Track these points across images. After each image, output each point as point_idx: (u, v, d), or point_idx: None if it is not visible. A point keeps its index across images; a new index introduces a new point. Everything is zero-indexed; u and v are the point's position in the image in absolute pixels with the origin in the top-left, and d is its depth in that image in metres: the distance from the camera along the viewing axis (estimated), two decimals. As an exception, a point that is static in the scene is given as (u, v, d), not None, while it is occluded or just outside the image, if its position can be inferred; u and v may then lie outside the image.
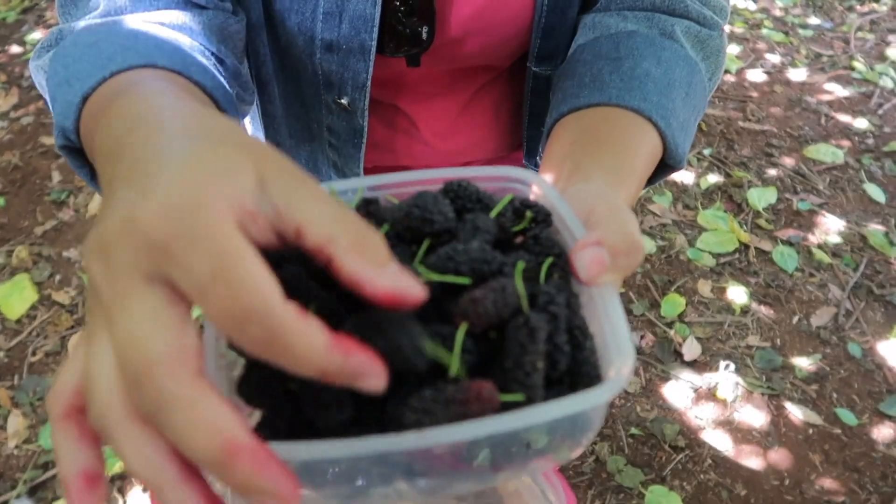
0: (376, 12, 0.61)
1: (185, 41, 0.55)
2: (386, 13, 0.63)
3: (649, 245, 2.14)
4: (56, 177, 2.36)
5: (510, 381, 0.34)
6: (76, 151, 0.50)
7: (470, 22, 0.66)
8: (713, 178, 2.38)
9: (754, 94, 2.82)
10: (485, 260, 0.36)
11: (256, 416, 0.37)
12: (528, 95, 0.75)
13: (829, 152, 2.51)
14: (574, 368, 0.37)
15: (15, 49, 3.01)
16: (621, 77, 0.58)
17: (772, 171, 2.43)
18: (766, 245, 2.15)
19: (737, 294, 2.00)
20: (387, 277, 0.30)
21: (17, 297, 1.97)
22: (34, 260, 2.08)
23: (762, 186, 2.35)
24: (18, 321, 1.92)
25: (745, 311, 1.96)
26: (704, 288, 2.02)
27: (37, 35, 3.09)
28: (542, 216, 0.42)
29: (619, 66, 0.59)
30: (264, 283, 0.27)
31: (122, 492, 1.57)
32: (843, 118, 2.68)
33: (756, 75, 2.93)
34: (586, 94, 0.58)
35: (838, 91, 2.84)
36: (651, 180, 0.61)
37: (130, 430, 0.27)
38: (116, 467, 1.60)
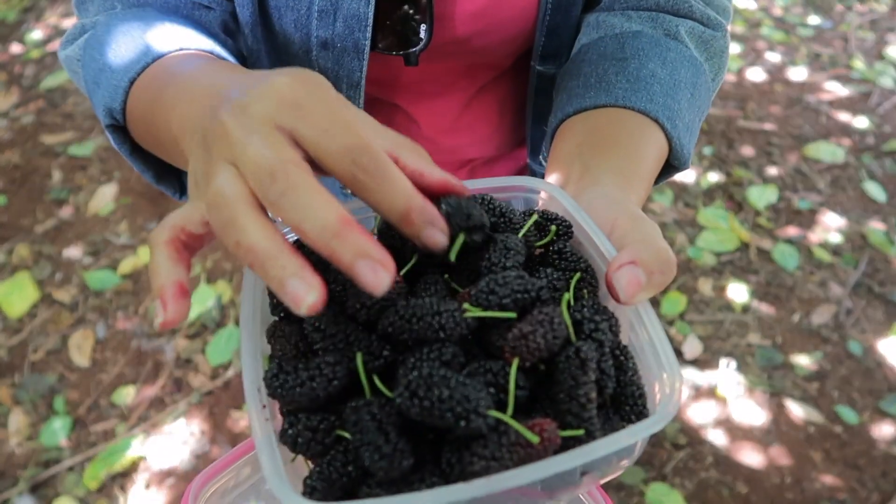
0: (369, 11, 0.61)
1: (203, 33, 0.60)
2: (382, 12, 0.63)
3: (650, 243, 2.14)
4: (56, 175, 2.36)
5: (565, 413, 0.34)
6: (120, 130, 0.57)
7: (473, 21, 0.65)
8: (714, 177, 2.39)
9: (754, 94, 2.82)
10: (525, 290, 0.37)
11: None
12: (531, 94, 0.75)
13: (829, 151, 2.51)
14: (619, 390, 0.38)
15: (15, 48, 3.01)
16: (627, 78, 0.58)
17: (772, 170, 2.43)
18: (766, 244, 2.15)
19: (737, 292, 2.00)
20: (438, 173, 0.38)
21: (17, 295, 1.97)
22: (35, 258, 2.08)
23: (763, 185, 2.35)
24: (19, 319, 1.92)
25: (745, 309, 1.96)
26: (705, 286, 2.02)
27: (37, 34, 3.09)
28: (564, 229, 0.43)
29: (624, 66, 0.59)
30: (374, 134, 0.36)
31: (123, 489, 1.57)
32: (843, 117, 2.69)
33: (756, 74, 2.93)
34: (592, 95, 0.58)
35: (838, 90, 2.84)
36: (656, 181, 0.61)
37: (255, 216, 0.33)
38: (118, 465, 1.61)
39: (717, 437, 1.67)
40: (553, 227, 0.43)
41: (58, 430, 1.68)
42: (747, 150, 2.52)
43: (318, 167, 0.36)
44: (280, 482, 0.32)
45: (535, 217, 0.43)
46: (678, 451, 1.65)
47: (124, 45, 0.56)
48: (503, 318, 0.36)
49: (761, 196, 2.31)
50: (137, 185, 2.31)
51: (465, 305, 0.36)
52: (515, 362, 0.35)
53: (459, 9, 0.64)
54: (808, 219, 2.25)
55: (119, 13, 0.61)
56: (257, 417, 0.35)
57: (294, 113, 0.35)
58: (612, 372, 0.37)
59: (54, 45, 3.02)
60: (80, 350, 1.85)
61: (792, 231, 2.20)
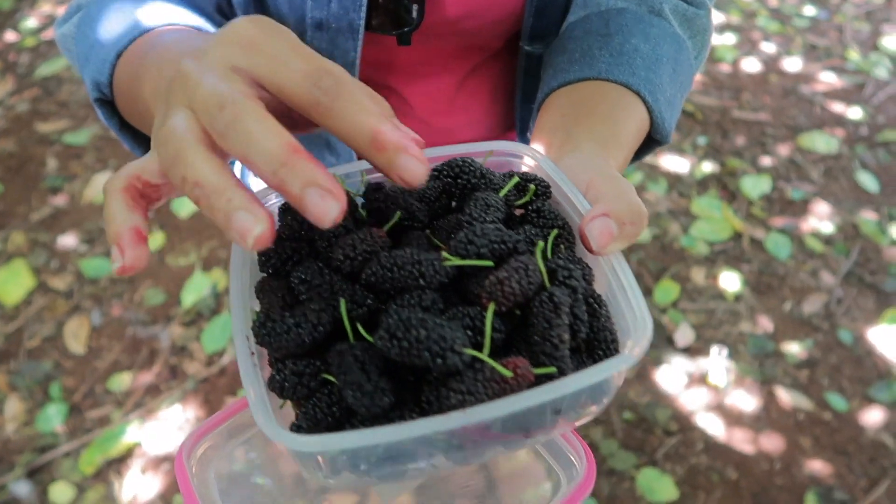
0: None
1: (196, 12, 0.61)
2: None
3: (643, 233, 2.15)
4: (51, 164, 2.36)
5: (539, 354, 0.36)
6: (108, 104, 0.58)
7: (463, 2, 0.67)
8: (708, 167, 2.40)
9: (749, 84, 2.83)
10: (502, 241, 0.38)
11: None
12: (520, 75, 0.77)
13: (822, 141, 2.52)
14: (592, 335, 0.39)
15: (10, 36, 3.00)
16: (610, 52, 0.60)
17: (766, 160, 2.44)
18: (759, 233, 2.17)
19: (730, 281, 2.01)
20: (399, 131, 0.35)
21: (13, 283, 1.98)
22: (30, 246, 2.09)
23: (756, 175, 2.36)
24: (15, 307, 1.93)
25: (737, 298, 1.98)
26: (698, 275, 2.03)
27: (31, 22, 3.08)
28: (543, 189, 0.44)
29: (608, 41, 0.61)
30: (330, 62, 0.35)
31: (119, 474, 1.59)
32: (837, 107, 2.70)
33: (751, 65, 2.94)
34: (576, 69, 0.60)
35: (832, 80, 2.85)
36: (639, 155, 0.63)
37: (202, 150, 0.33)
38: (113, 451, 1.62)
39: (708, 424, 1.69)
40: (532, 187, 0.44)
41: (53, 417, 1.69)
42: (741, 141, 2.52)
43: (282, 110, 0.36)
44: (268, 420, 0.33)
45: (515, 179, 0.44)
46: (669, 437, 1.66)
47: (114, 21, 0.57)
48: (481, 267, 0.38)
49: (755, 186, 2.32)
50: (133, 174, 2.31)
51: (444, 254, 0.38)
52: (491, 307, 0.36)
53: None
54: (801, 209, 2.26)
55: None
56: (245, 363, 0.36)
57: (251, 51, 0.35)
58: (585, 317, 0.38)
59: (49, 34, 3.01)
60: (76, 337, 1.86)
61: (785, 221, 2.21)
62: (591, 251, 0.41)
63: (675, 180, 2.34)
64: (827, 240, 2.15)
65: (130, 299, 1.95)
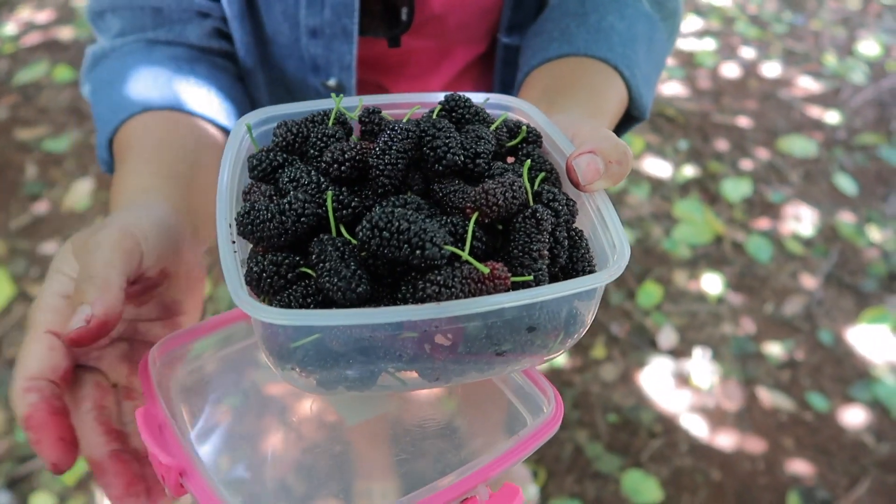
0: None
1: (186, 65, 0.66)
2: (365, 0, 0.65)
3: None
4: (31, 171, 2.34)
5: (518, 266, 0.37)
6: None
7: (446, 3, 0.69)
8: (689, 171, 2.42)
9: (729, 89, 2.86)
10: (487, 139, 0.41)
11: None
12: (498, 66, 0.78)
13: (801, 145, 2.56)
14: (571, 266, 0.41)
15: (-13, 42, 2.96)
16: (588, 30, 0.62)
17: (746, 164, 2.47)
18: (740, 236, 2.19)
19: (712, 284, 2.03)
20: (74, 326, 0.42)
21: (-8, 291, 1.95)
22: (10, 254, 2.06)
23: (737, 178, 2.39)
24: (-6, 316, 1.90)
25: (720, 300, 2.00)
26: (680, 278, 2.05)
27: (9, 29, 3.05)
28: (534, 136, 0.46)
29: (585, 20, 0.63)
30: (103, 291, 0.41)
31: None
32: (815, 111, 2.74)
33: (731, 70, 2.98)
34: (555, 47, 0.62)
35: (810, 85, 2.89)
36: (619, 131, 0.66)
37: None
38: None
39: (692, 425, 1.70)
40: (523, 128, 0.46)
41: (34, 426, 1.67)
42: (722, 145, 2.55)
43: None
44: (242, 293, 0.34)
45: (505, 115, 0.46)
46: (654, 439, 1.67)
47: (106, 100, 0.63)
48: (464, 191, 0.40)
49: (735, 189, 2.34)
50: (114, 180, 2.30)
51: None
52: (475, 216, 0.37)
53: None
54: (781, 211, 2.29)
55: (121, 49, 0.67)
56: (225, 248, 0.36)
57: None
58: (565, 244, 0.40)
59: (28, 39, 2.98)
60: (57, 346, 1.84)
61: (765, 223, 2.24)
62: (577, 186, 0.42)
63: (657, 184, 2.36)
64: (806, 242, 2.18)
65: (112, 307, 1.93)
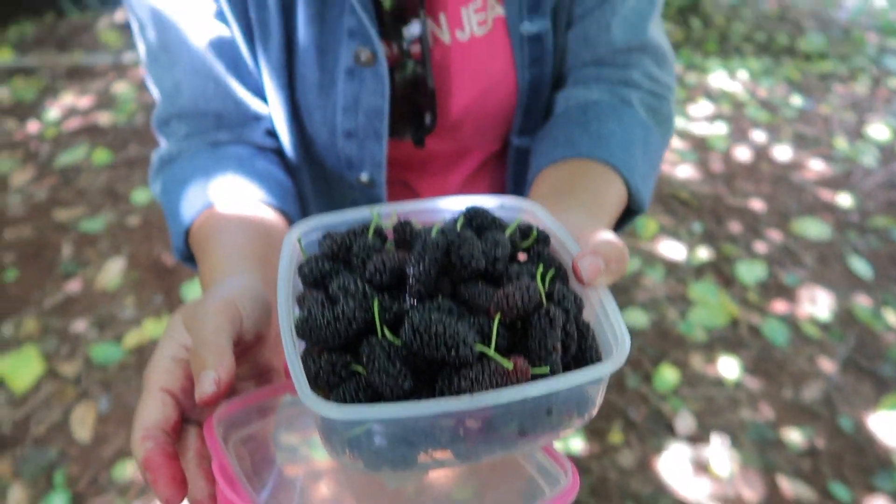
0: (385, 105, 0.73)
1: (249, 160, 0.74)
2: (395, 105, 0.74)
3: (642, 319, 2.19)
4: (67, 250, 2.44)
5: (535, 359, 0.43)
6: (190, 258, 0.72)
7: (466, 109, 0.77)
8: (703, 254, 2.46)
9: (741, 172, 2.93)
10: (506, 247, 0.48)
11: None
12: (510, 164, 0.86)
13: (814, 228, 2.59)
14: (580, 355, 0.47)
15: (32, 127, 3.14)
16: (590, 136, 0.70)
17: (760, 246, 2.51)
18: (756, 319, 2.21)
19: (729, 368, 2.04)
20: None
21: (24, 369, 2.01)
22: (42, 332, 2.13)
23: (751, 261, 2.43)
24: (24, 394, 1.96)
25: (737, 384, 2.00)
26: (697, 361, 2.06)
27: (54, 113, 3.23)
28: (543, 237, 0.53)
29: (587, 127, 0.71)
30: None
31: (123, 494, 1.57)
32: (827, 194, 2.79)
33: (743, 153, 3.05)
34: (561, 151, 0.70)
35: (821, 168, 2.95)
36: (620, 225, 0.73)
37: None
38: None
39: (712, 515, 1.68)
40: (534, 232, 0.53)
41: (57, 506, 1.69)
42: (735, 227, 2.60)
43: None
44: (307, 390, 0.40)
45: (518, 220, 0.53)
46: (673, 528, 1.65)
47: (180, 197, 0.70)
48: (488, 292, 0.47)
49: (750, 272, 2.37)
50: (145, 260, 2.39)
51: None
52: (498, 316, 0.44)
53: (455, 100, 0.76)
54: (796, 294, 2.31)
55: (188, 151, 0.75)
56: (290, 349, 0.43)
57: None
58: (575, 336, 0.46)
59: (70, 124, 3.16)
60: (82, 424, 1.88)
61: (781, 306, 2.26)
62: (582, 283, 0.49)
63: (671, 266, 2.40)
64: (823, 325, 2.19)
65: (138, 386, 1.97)
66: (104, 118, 3.19)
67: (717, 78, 3.70)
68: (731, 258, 2.44)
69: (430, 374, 0.43)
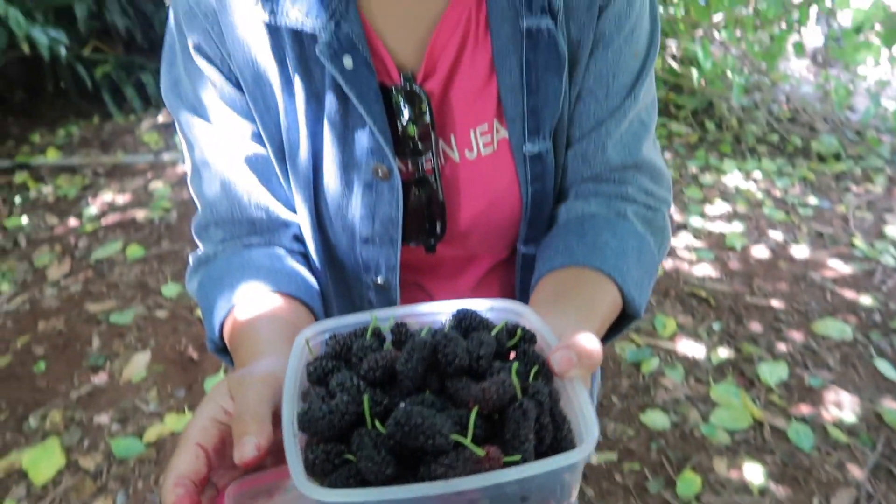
0: (399, 214, 0.80)
1: (279, 260, 0.81)
2: (408, 214, 0.81)
3: (662, 421, 2.17)
4: (96, 342, 2.50)
5: (509, 448, 0.47)
6: (222, 350, 0.77)
7: (474, 220, 0.84)
8: (724, 353, 2.45)
9: (760, 270, 2.95)
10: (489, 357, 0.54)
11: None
12: (518, 270, 0.92)
13: (837, 328, 2.58)
14: (555, 444, 0.51)
15: (73, 222, 3.30)
16: (586, 246, 0.76)
17: (781, 346, 2.49)
18: (780, 422, 2.16)
19: (754, 473, 1.99)
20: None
21: (45, 461, 2.03)
22: (66, 424, 2.17)
23: (773, 361, 2.40)
24: (43, 486, 1.97)
25: (763, 491, 1.94)
26: (720, 466, 2.02)
27: (93, 210, 3.39)
28: (529, 336, 0.57)
29: (584, 238, 0.77)
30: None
31: None
32: (849, 294, 2.78)
33: (760, 252, 3.08)
34: (560, 259, 0.76)
35: (841, 268, 2.96)
36: (619, 329, 0.78)
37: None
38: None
39: None
40: (519, 331, 0.57)
41: None
42: (755, 326, 2.59)
43: None
44: (302, 478, 0.45)
45: (503, 323, 0.58)
46: None
47: (217, 291, 0.77)
48: (468, 384, 0.51)
49: (772, 373, 2.35)
50: (171, 353, 2.44)
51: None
52: (475, 409, 0.48)
53: (464, 212, 0.83)
54: (820, 397, 2.27)
55: (223, 253, 0.83)
56: (289, 441, 0.47)
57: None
58: (549, 427, 0.50)
59: (107, 220, 3.31)
60: (99, 520, 1.88)
61: (805, 409, 2.22)
62: (556, 375, 0.53)
63: (691, 366, 2.39)
64: (850, 430, 2.14)
65: (156, 482, 1.98)
66: (140, 214, 3.34)
67: (733, 178, 3.79)
68: (752, 358, 2.42)
69: (415, 462, 0.48)
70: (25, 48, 3.56)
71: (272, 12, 0.72)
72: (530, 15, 0.74)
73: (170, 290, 2.78)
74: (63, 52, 3.72)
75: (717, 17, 3.79)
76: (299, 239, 0.86)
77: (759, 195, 3.60)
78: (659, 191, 0.86)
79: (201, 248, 0.86)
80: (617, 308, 0.74)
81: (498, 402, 0.48)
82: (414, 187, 0.81)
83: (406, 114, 0.77)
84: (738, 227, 3.28)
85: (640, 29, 0.79)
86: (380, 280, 0.86)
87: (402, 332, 0.58)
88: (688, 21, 3.95)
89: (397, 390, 0.53)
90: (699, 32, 3.94)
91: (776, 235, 3.22)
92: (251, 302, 0.74)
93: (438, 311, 0.61)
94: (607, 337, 0.79)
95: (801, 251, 3.09)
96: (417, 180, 0.81)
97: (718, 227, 3.29)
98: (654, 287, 2.80)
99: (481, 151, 0.80)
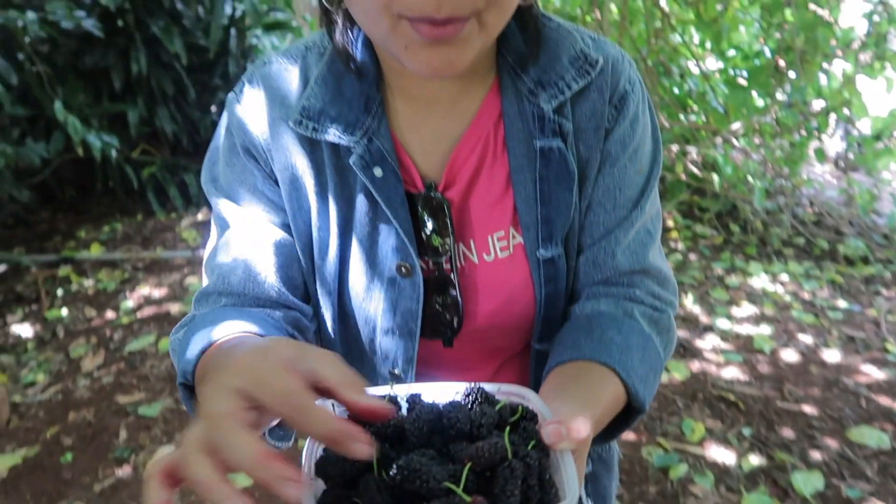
0: (419, 308, 0.86)
1: (277, 322, 0.84)
2: (427, 309, 0.87)
3: (693, 530, 2.08)
4: (123, 434, 2.53)
5: (497, 500, 0.53)
6: (189, 389, 0.75)
7: (490, 317, 0.89)
8: (755, 460, 2.37)
9: (790, 374, 2.90)
10: (480, 424, 0.59)
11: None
12: (532, 367, 0.95)
13: (873, 436, 2.49)
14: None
15: (110, 314, 3.41)
16: (593, 341, 0.81)
17: (816, 455, 2.41)
18: (817, 536, 2.07)
19: (791, 591, 1.89)
20: (366, 400, 0.53)
21: (63, 556, 2.02)
22: (87, 518, 2.16)
23: (807, 471, 2.32)
24: (60, 583, 1.95)
25: None
26: (755, 582, 1.92)
27: (130, 303, 3.51)
28: (530, 415, 0.63)
29: (591, 334, 0.82)
30: (295, 387, 0.50)
31: None
32: (884, 401, 2.70)
33: (790, 355, 3.04)
34: (568, 353, 0.81)
35: (875, 373, 2.89)
36: (626, 423, 0.82)
37: (201, 456, 0.47)
38: None
39: None
40: (520, 409, 0.63)
41: None
42: (788, 433, 2.52)
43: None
44: None
45: (506, 400, 0.64)
46: None
47: (204, 332, 0.76)
48: (460, 445, 0.58)
49: (807, 482, 2.26)
50: (194, 447, 2.45)
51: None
52: (468, 465, 0.55)
53: (480, 309, 0.88)
54: (859, 509, 2.17)
55: (217, 309, 0.83)
56: (306, 483, 0.53)
57: (242, 375, 0.51)
58: (536, 488, 0.55)
59: (144, 313, 3.41)
60: None
61: (844, 522, 2.12)
62: (545, 444, 0.58)
63: (721, 473, 2.32)
64: (893, 546, 2.03)
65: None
66: (174, 308, 3.44)
67: (759, 280, 3.79)
68: (785, 466, 2.34)
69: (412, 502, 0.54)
70: (80, 151, 3.81)
71: (315, 130, 0.81)
72: (543, 136, 0.82)
73: (198, 383, 2.82)
74: (114, 154, 3.97)
75: (737, 125, 3.92)
76: (300, 329, 0.88)
77: (787, 298, 3.59)
78: (665, 294, 0.90)
79: (193, 310, 0.87)
80: (620, 400, 0.78)
81: (489, 460, 0.55)
82: (434, 284, 0.87)
83: (430, 225, 0.84)
84: (766, 329, 3.25)
85: (643, 149, 0.87)
86: (397, 371, 0.91)
87: (415, 401, 0.64)
88: (708, 128, 4.09)
89: (405, 446, 0.59)
90: (719, 139, 4.06)
91: (806, 339, 3.18)
92: (237, 336, 0.74)
93: (451, 389, 0.67)
94: (615, 430, 0.82)
95: (832, 355, 3.04)
96: (438, 278, 0.87)
97: (746, 329, 3.26)
98: (682, 390, 2.77)
99: (498, 255, 0.87)
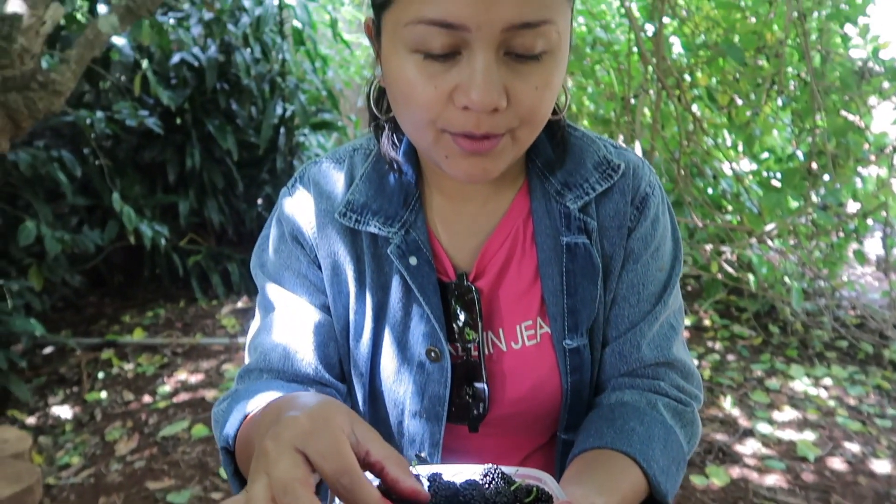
0: (447, 393, 0.89)
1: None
2: (454, 394, 0.90)
3: None
4: (150, 521, 2.52)
5: None
6: (230, 454, 0.78)
7: (516, 404, 0.91)
8: (802, 577, 2.24)
9: (837, 485, 2.76)
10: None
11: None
12: (558, 457, 0.96)
13: (931, 556, 2.33)
14: None
15: (146, 398, 3.46)
16: (615, 431, 0.83)
17: (868, 574, 2.26)
18: None
19: None
20: (411, 482, 0.57)
21: None
22: None
23: (859, 591, 2.17)
24: None
25: None
26: None
27: (167, 388, 3.57)
28: (546, 496, 0.65)
29: (613, 424, 0.84)
30: (353, 463, 0.53)
31: None
32: (941, 517, 2.55)
33: (836, 464, 2.90)
34: (590, 441, 0.83)
35: (929, 487, 2.74)
36: None
37: None
38: None
39: None
40: (535, 490, 0.65)
41: None
42: (837, 548, 2.38)
43: None
44: None
45: (522, 481, 0.66)
46: None
47: (245, 403, 0.81)
48: None
49: None
50: (219, 538, 2.42)
51: None
52: None
53: (508, 395, 0.91)
54: None
55: (259, 382, 0.87)
56: None
57: (306, 439, 0.53)
58: None
59: (179, 398, 3.46)
60: None
61: None
62: None
63: (767, 589, 2.18)
64: None
65: None
66: (210, 394, 3.48)
67: (801, 384, 3.68)
68: (835, 585, 2.20)
69: None
70: (132, 239, 4.00)
71: (357, 221, 0.89)
72: (569, 233, 0.87)
73: (227, 471, 2.81)
74: (163, 242, 4.15)
75: (771, 226, 3.94)
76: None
77: (832, 403, 3.46)
78: (690, 388, 0.93)
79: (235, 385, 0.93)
80: (640, 490, 0.79)
81: None
82: (462, 369, 0.90)
83: (462, 317, 0.89)
84: (810, 435, 3.13)
85: (664, 247, 0.91)
86: (423, 454, 0.93)
87: (435, 479, 0.66)
88: (742, 228, 4.11)
89: None
90: (753, 239, 4.07)
91: (853, 447, 3.04)
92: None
93: (471, 470, 0.69)
94: None
95: (882, 466, 2.89)
96: (466, 363, 0.90)
97: (789, 434, 3.14)
98: (721, 496, 2.65)
99: (526, 343, 0.90)
